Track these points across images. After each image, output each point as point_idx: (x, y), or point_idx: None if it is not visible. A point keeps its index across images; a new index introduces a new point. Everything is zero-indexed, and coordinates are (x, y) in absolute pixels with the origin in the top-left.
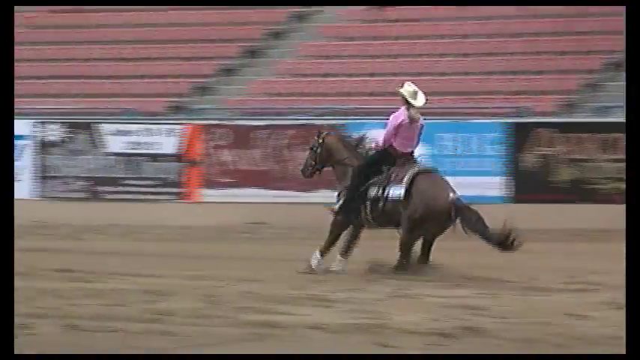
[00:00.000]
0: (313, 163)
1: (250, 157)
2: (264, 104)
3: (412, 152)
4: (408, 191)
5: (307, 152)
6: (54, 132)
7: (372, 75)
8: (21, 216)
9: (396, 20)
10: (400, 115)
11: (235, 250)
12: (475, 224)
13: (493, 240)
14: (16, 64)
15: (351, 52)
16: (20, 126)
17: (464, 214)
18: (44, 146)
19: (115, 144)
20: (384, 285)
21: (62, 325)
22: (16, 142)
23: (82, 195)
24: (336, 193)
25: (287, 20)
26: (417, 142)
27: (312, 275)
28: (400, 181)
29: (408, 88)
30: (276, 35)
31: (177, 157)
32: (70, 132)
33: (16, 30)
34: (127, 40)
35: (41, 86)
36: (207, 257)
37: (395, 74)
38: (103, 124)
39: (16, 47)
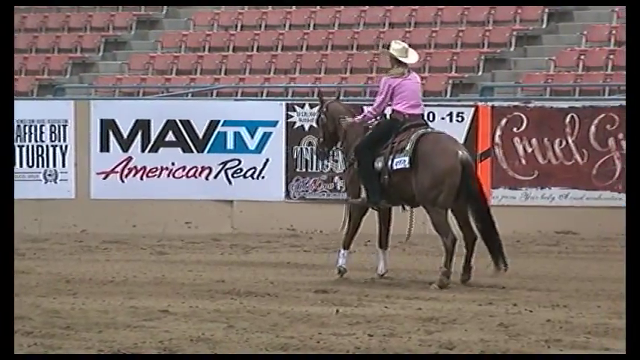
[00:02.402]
0: (322, 140)
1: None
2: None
3: (421, 115)
4: (412, 159)
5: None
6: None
7: None
8: (269, 220)
9: None
10: (390, 76)
11: (534, 267)
12: (479, 195)
13: (483, 225)
14: None
15: None
16: (266, 109)
17: (470, 175)
18: (293, 135)
19: None
20: None
21: None
22: (263, 128)
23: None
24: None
25: None
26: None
27: None
28: (403, 149)
29: (396, 46)
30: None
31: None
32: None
33: None
34: None
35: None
36: (498, 276)
37: None
38: None
39: None
